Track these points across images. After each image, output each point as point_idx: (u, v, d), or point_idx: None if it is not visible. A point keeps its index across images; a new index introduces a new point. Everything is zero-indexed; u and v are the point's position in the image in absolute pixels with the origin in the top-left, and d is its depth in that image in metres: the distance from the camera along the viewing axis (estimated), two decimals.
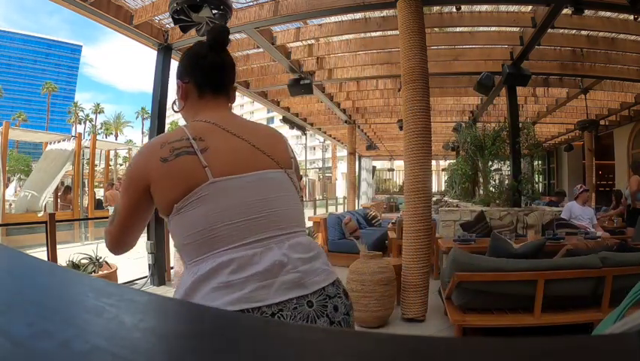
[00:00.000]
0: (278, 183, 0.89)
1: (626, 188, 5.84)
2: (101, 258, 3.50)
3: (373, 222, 7.24)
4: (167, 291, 3.97)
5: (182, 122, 0.99)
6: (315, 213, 10.57)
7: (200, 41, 1.01)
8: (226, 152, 0.86)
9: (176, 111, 1.01)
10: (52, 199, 8.39)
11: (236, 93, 1.07)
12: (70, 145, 7.86)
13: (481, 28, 4.88)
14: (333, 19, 4.57)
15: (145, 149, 0.88)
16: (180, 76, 0.99)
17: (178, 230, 0.83)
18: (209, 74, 0.97)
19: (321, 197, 16.37)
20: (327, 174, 34.10)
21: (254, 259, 0.79)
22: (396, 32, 3.71)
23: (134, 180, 0.85)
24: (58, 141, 8.29)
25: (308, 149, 34.85)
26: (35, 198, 7.62)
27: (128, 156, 12.86)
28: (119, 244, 0.92)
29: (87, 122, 58.75)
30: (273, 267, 0.80)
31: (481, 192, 5.96)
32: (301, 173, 1.10)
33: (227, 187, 0.82)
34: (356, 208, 9.27)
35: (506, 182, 5.26)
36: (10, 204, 8.27)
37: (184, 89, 0.97)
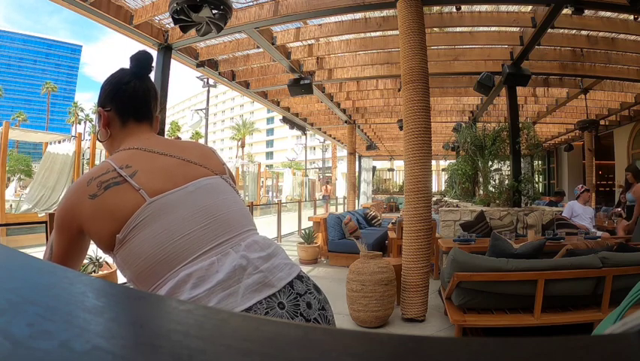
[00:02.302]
0: (217, 188, 0.88)
1: (621, 193, 5.85)
2: (100, 258, 3.50)
3: (373, 222, 7.25)
4: None
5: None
6: (315, 213, 10.57)
7: (123, 68, 0.97)
8: (157, 171, 0.83)
9: (100, 141, 0.97)
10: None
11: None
12: (71, 148, 7.82)
13: (481, 28, 4.88)
14: (333, 19, 4.57)
15: (71, 189, 0.82)
16: (102, 103, 0.95)
17: (127, 263, 0.78)
18: (131, 100, 0.94)
19: (321, 197, 16.41)
20: (327, 174, 34.09)
21: (212, 268, 0.76)
22: (397, 32, 3.71)
23: (64, 224, 0.81)
24: (59, 142, 8.23)
25: (308, 149, 34.80)
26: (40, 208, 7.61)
27: None
28: None
29: (87, 122, 58.65)
30: (234, 272, 0.77)
31: (481, 192, 5.97)
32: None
33: (166, 203, 0.79)
34: (356, 208, 9.27)
35: (506, 182, 5.26)
36: (11, 205, 8.24)
37: (106, 117, 0.94)
